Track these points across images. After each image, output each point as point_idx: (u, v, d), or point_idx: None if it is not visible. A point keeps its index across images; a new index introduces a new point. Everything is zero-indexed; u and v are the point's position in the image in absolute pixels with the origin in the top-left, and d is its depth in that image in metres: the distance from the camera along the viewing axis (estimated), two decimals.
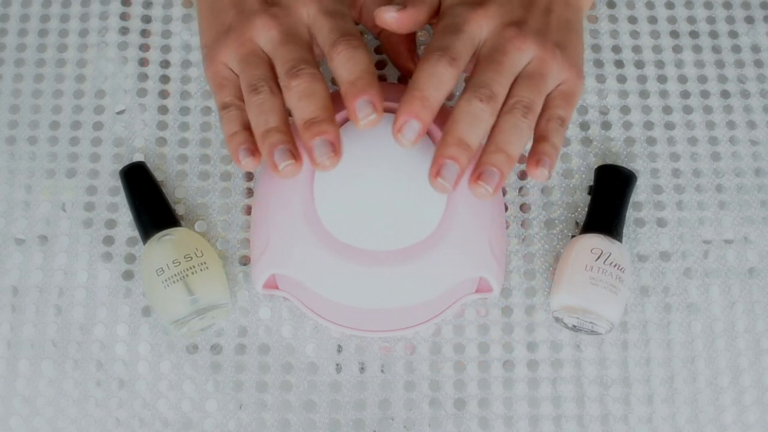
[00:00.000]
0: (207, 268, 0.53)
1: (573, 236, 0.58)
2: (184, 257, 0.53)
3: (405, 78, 0.60)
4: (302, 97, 0.47)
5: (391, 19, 0.51)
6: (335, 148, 0.47)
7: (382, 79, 0.62)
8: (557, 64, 0.49)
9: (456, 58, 0.47)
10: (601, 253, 0.53)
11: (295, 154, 0.48)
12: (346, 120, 0.52)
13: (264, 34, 0.50)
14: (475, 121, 0.47)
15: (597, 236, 0.55)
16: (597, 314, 0.52)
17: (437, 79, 0.47)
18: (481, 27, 0.49)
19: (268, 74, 0.50)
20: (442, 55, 0.47)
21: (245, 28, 0.50)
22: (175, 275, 0.52)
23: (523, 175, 0.60)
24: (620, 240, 0.55)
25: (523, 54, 0.49)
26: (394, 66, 0.60)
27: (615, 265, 0.53)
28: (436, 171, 0.47)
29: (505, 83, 0.48)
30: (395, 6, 0.51)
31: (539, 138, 0.49)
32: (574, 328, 0.54)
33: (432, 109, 0.47)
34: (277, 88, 0.49)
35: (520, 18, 0.49)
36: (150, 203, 0.56)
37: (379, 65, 0.63)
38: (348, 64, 0.48)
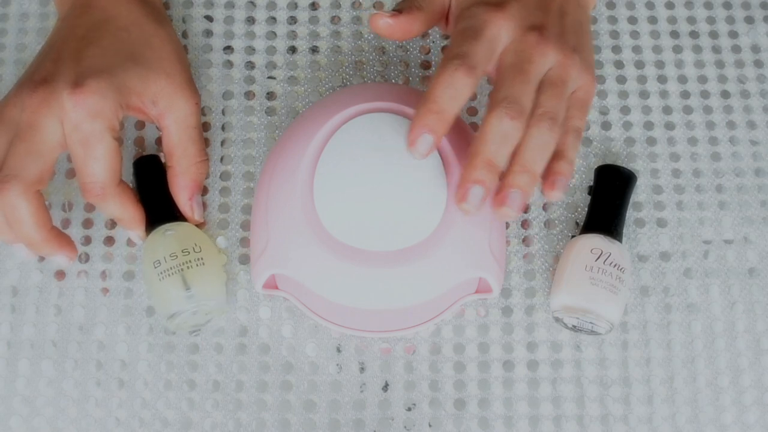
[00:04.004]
0: (203, 263, 0.53)
1: (573, 236, 0.58)
2: (182, 251, 0.53)
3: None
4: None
5: (384, 25, 0.51)
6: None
7: (385, 80, 0.62)
8: (576, 68, 0.49)
9: (474, 66, 0.47)
10: (601, 253, 0.53)
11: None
12: (351, 116, 0.52)
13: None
14: (504, 140, 0.46)
15: (597, 236, 0.55)
16: (597, 314, 0.52)
17: (454, 90, 0.46)
18: (500, 30, 0.48)
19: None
20: (461, 64, 0.46)
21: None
22: (171, 268, 0.52)
23: None
24: (620, 240, 0.55)
25: (547, 60, 0.48)
26: None
27: (615, 265, 0.53)
28: (463, 195, 0.46)
29: (532, 93, 0.48)
30: (389, 12, 0.51)
31: (556, 154, 0.49)
32: (574, 328, 0.54)
33: (447, 122, 0.47)
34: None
35: (540, 21, 0.49)
36: (155, 197, 0.55)
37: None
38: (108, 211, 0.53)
